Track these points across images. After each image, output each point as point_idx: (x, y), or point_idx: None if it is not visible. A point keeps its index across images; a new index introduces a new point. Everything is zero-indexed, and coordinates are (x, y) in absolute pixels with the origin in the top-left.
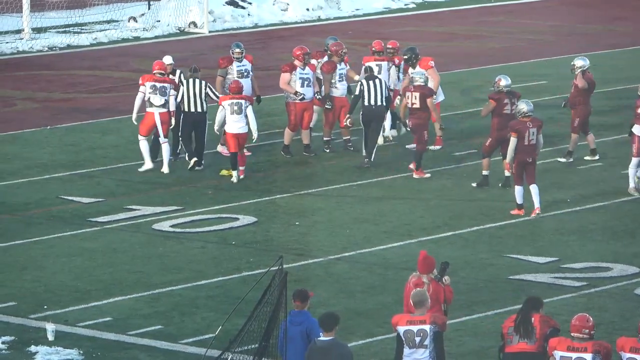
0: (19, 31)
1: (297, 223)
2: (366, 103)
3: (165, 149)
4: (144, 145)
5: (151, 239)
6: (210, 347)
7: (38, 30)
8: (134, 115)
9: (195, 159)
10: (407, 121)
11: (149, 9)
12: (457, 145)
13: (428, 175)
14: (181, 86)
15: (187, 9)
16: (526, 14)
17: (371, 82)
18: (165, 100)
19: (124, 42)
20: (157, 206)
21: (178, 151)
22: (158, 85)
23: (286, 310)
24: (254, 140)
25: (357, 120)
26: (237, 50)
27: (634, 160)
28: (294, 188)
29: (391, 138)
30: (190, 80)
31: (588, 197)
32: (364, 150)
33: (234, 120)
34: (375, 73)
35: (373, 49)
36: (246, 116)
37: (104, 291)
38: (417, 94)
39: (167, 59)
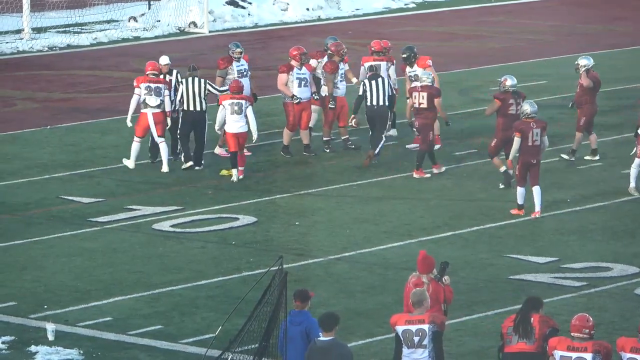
0: (19, 31)
1: (297, 223)
2: (368, 103)
3: (163, 148)
4: (135, 146)
5: (151, 239)
6: (210, 347)
7: (38, 30)
8: (129, 117)
9: (191, 162)
10: (414, 121)
11: (149, 8)
12: (457, 145)
13: (428, 175)
14: (180, 85)
15: (187, 8)
16: (526, 14)
17: (373, 82)
18: (161, 100)
19: (124, 42)
20: (157, 206)
21: (178, 151)
22: (153, 86)
23: (286, 310)
24: (253, 141)
25: (363, 119)
26: (238, 49)
27: (637, 160)
28: (294, 188)
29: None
30: (190, 79)
31: (588, 197)
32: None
33: (234, 120)
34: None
35: (372, 48)
36: (246, 116)
37: (104, 291)
38: (425, 94)
39: (164, 59)
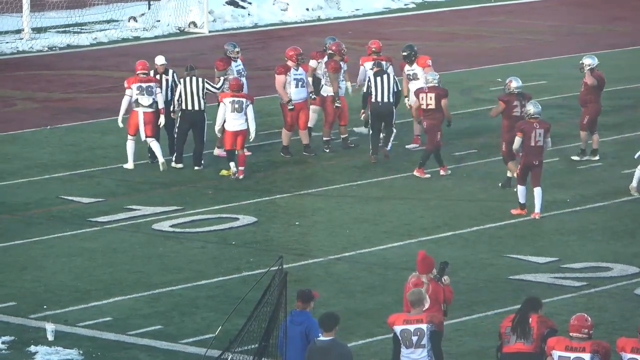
0: (19, 31)
1: (297, 223)
2: (373, 100)
3: (155, 146)
4: (130, 145)
5: (151, 239)
6: (210, 347)
7: (38, 30)
8: (120, 118)
9: (181, 164)
10: (424, 123)
11: (149, 8)
12: (457, 145)
13: (428, 175)
14: (178, 85)
15: (187, 8)
16: (526, 14)
17: (379, 79)
18: (153, 99)
19: (124, 42)
20: (157, 206)
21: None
22: (144, 85)
23: (286, 310)
24: (250, 140)
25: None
26: (236, 50)
27: None
28: (294, 188)
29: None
30: (187, 79)
31: (588, 197)
32: (370, 146)
33: (233, 117)
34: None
35: (372, 48)
36: (246, 114)
37: (104, 291)
38: (433, 95)
39: (160, 59)
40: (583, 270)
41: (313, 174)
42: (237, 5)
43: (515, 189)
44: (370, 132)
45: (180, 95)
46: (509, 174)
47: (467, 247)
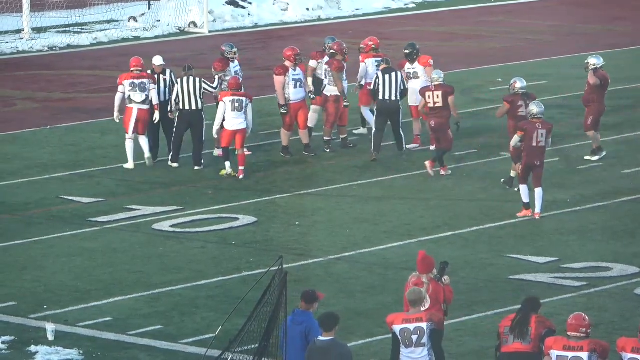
0: (19, 31)
1: (297, 223)
2: (381, 97)
3: (144, 143)
4: (129, 145)
5: (151, 239)
6: (210, 347)
7: (38, 30)
8: (115, 114)
9: (176, 164)
10: (431, 122)
11: (149, 8)
12: (457, 145)
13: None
14: (175, 85)
15: (187, 8)
16: (526, 14)
17: (387, 76)
18: (146, 95)
19: (124, 42)
20: (157, 206)
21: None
22: (137, 82)
23: (286, 310)
24: (247, 134)
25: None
26: (233, 50)
27: None
28: (294, 188)
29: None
30: (184, 79)
31: (588, 197)
32: (372, 143)
33: (233, 116)
34: (374, 70)
35: (372, 45)
36: (245, 113)
37: (104, 291)
38: (440, 93)
39: (158, 60)
40: (583, 270)
41: (313, 174)
42: (237, 5)
43: (516, 189)
44: (374, 129)
45: (177, 95)
46: (512, 174)
47: (467, 247)
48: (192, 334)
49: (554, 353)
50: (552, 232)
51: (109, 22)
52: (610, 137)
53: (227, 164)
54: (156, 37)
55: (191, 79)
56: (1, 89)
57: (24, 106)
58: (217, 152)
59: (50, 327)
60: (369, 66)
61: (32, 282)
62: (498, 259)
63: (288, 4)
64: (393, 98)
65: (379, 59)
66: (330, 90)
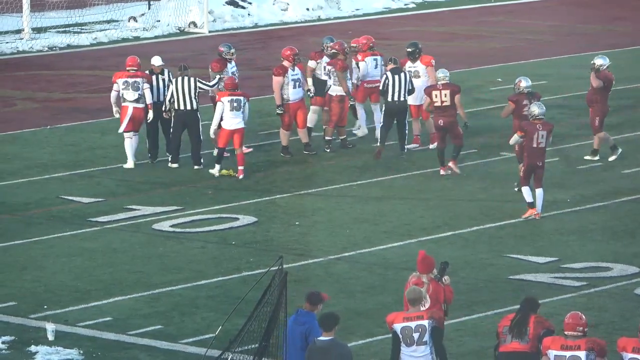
0: (19, 31)
1: (297, 223)
2: (389, 99)
3: (134, 141)
4: (128, 144)
5: (151, 239)
6: (210, 347)
7: (38, 30)
8: (114, 109)
9: (177, 164)
10: (440, 121)
11: (149, 9)
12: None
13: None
14: (170, 85)
15: (187, 9)
16: (526, 14)
17: (396, 77)
18: (139, 94)
19: (124, 42)
20: (157, 206)
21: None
22: (130, 80)
23: (286, 310)
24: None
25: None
26: (231, 51)
27: None
28: (294, 188)
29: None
30: (179, 79)
31: (588, 197)
32: (378, 137)
33: (232, 116)
34: (373, 68)
35: (370, 44)
36: (243, 112)
37: (104, 291)
38: (447, 92)
39: (157, 60)
40: (583, 270)
41: (313, 174)
42: (237, 5)
43: (516, 189)
44: (382, 126)
45: (172, 95)
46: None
47: (467, 247)
48: (192, 334)
49: (552, 353)
50: (552, 232)
51: (108, 22)
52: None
53: (217, 166)
54: (156, 37)
55: (186, 78)
56: (1, 89)
57: (24, 106)
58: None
59: (50, 327)
60: (369, 65)
61: (32, 282)
62: (498, 259)
63: (288, 4)
64: (402, 98)
65: (371, 57)
66: (335, 90)
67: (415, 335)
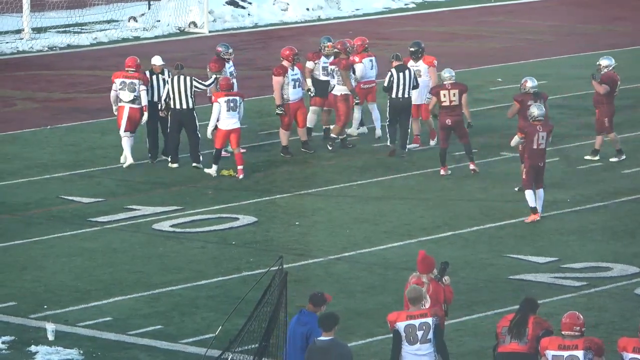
0: (19, 31)
1: (297, 223)
2: (394, 95)
3: (129, 141)
4: (125, 142)
5: (151, 239)
6: (210, 347)
7: (38, 30)
8: (114, 108)
9: (176, 164)
10: (447, 120)
11: (149, 8)
12: (457, 145)
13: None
14: (166, 85)
15: (187, 9)
16: (526, 14)
17: (401, 74)
18: (135, 96)
19: (124, 42)
20: (157, 206)
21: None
22: (127, 81)
23: (286, 310)
24: None
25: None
26: (229, 51)
27: None
28: (294, 188)
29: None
30: (175, 78)
31: (588, 197)
32: (388, 141)
33: (228, 116)
34: (369, 68)
35: (365, 45)
36: (239, 112)
37: (104, 291)
38: (456, 91)
39: (157, 60)
40: (583, 270)
41: (313, 174)
42: (237, 5)
43: (516, 189)
44: (387, 123)
45: (168, 94)
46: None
47: (467, 247)
48: (192, 334)
49: (550, 353)
50: (552, 232)
51: (109, 22)
52: (607, 137)
53: (215, 167)
54: (156, 37)
55: (182, 77)
56: (1, 89)
57: (24, 106)
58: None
59: (50, 327)
60: (365, 66)
61: (32, 282)
62: (498, 259)
63: (288, 4)
64: (406, 95)
65: (367, 58)
66: (340, 89)
67: (419, 334)
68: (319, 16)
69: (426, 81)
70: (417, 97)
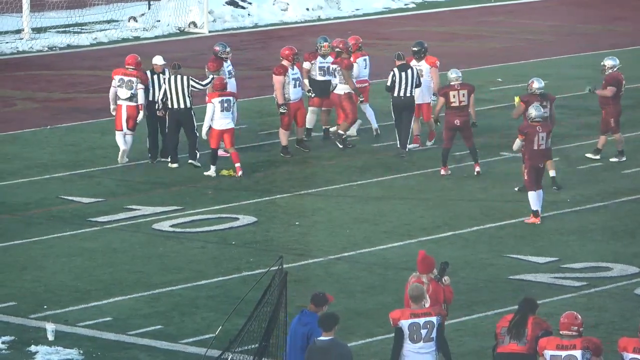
0: (19, 31)
1: (297, 223)
2: (395, 94)
3: (128, 141)
4: (118, 138)
5: (151, 239)
6: (210, 347)
7: (38, 30)
8: (111, 107)
9: (176, 164)
10: (456, 121)
11: (149, 9)
12: (457, 145)
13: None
14: (163, 84)
15: (187, 9)
16: (526, 14)
17: (403, 73)
18: (132, 93)
19: (124, 42)
20: (157, 206)
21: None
22: (125, 78)
23: (286, 310)
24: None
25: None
26: (227, 50)
27: None
28: (294, 188)
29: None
30: (172, 77)
31: (588, 197)
32: (397, 141)
33: (222, 116)
34: (363, 68)
35: (359, 44)
36: (233, 112)
37: (104, 291)
38: (465, 91)
39: (159, 60)
40: (583, 270)
41: (313, 174)
42: (237, 5)
43: (516, 188)
44: (395, 126)
45: (165, 94)
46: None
47: (467, 247)
48: (192, 334)
49: (548, 353)
50: (552, 232)
51: (109, 22)
52: (610, 137)
53: (213, 167)
54: (156, 37)
55: (179, 77)
56: (1, 89)
57: (24, 106)
58: (220, 152)
59: (50, 327)
60: (360, 65)
61: (32, 282)
62: (498, 259)
63: (288, 4)
64: (408, 94)
65: (361, 57)
66: (342, 88)
67: (423, 332)
68: (319, 16)
69: (427, 81)
70: (418, 96)
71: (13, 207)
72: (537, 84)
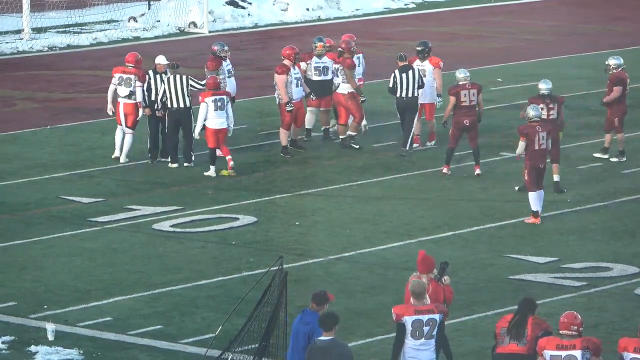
0: (19, 31)
1: (297, 223)
2: (398, 95)
3: (127, 140)
4: (117, 134)
5: (151, 239)
6: (210, 347)
7: (38, 30)
8: (109, 106)
9: (176, 164)
10: (465, 121)
11: (149, 9)
12: (458, 145)
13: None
14: (162, 84)
15: (187, 9)
16: (526, 14)
17: (404, 75)
18: (131, 91)
19: (124, 42)
20: (157, 206)
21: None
22: (124, 76)
23: (286, 310)
24: (229, 135)
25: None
26: (225, 48)
27: None
28: (293, 188)
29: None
30: (171, 77)
31: (588, 197)
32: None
33: (216, 116)
34: (357, 66)
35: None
36: (226, 112)
37: (104, 291)
38: (475, 90)
39: (162, 59)
40: (583, 270)
41: (313, 174)
42: (237, 5)
43: (516, 188)
44: (400, 122)
45: (164, 94)
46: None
47: (467, 247)
48: (192, 334)
49: (548, 353)
50: (552, 232)
51: (108, 22)
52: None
53: (212, 168)
54: (156, 37)
55: (178, 77)
56: (1, 89)
57: (24, 106)
58: (218, 152)
59: (50, 327)
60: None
61: (32, 282)
62: (498, 259)
63: (288, 4)
64: (410, 95)
65: (359, 55)
66: (345, 87)
67: (426, 329)
68: (319, 16)
69: (430, 81)
70: (420, 96)
71: (13, 207)
72: (542, 85)
